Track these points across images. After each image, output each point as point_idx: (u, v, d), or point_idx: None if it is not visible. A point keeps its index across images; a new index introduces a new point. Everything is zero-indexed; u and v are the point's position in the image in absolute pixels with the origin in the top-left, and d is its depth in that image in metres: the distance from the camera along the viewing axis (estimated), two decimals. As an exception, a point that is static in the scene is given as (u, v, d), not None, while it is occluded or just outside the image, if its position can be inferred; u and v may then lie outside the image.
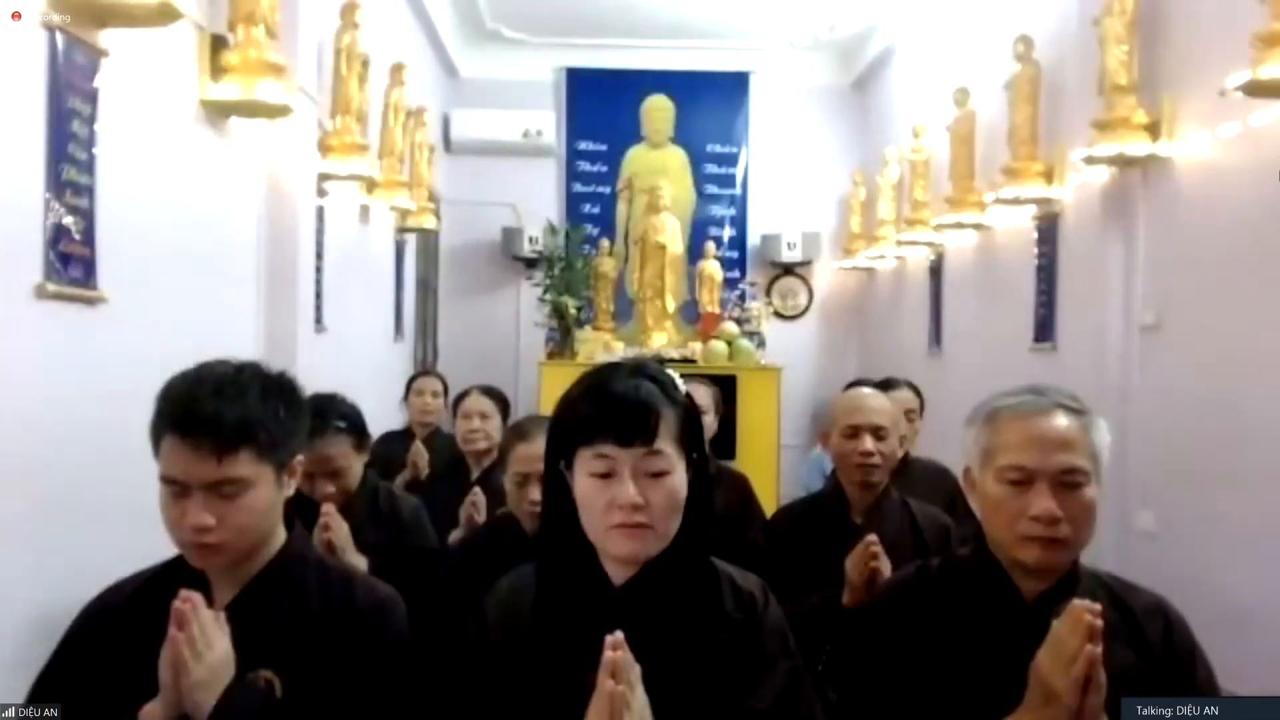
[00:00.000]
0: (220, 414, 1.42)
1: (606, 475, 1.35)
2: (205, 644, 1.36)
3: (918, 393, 3.67)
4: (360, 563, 2.40)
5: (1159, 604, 1.55)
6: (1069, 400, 1.54)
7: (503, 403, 3.66)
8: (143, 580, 1.55)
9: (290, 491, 1.56)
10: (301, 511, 2.47)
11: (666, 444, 1.36)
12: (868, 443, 2.47)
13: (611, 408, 1.36)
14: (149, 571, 1.57)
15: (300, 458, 1.58)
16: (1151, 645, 1.50)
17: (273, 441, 1.47)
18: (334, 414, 2.60)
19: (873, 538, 2.25)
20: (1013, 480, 1.49)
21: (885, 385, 3.25)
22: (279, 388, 1.53)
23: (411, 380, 4.49)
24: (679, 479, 1.37)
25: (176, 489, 1.43)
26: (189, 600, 1.36)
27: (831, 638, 2.18)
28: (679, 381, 1.44)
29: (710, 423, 3.47)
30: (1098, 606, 1.33)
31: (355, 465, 2.66)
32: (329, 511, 2.40)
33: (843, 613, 2.24)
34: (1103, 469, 1.50)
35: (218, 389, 1.45)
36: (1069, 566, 1.52)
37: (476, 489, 2.98)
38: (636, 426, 1.34)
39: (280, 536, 1.55)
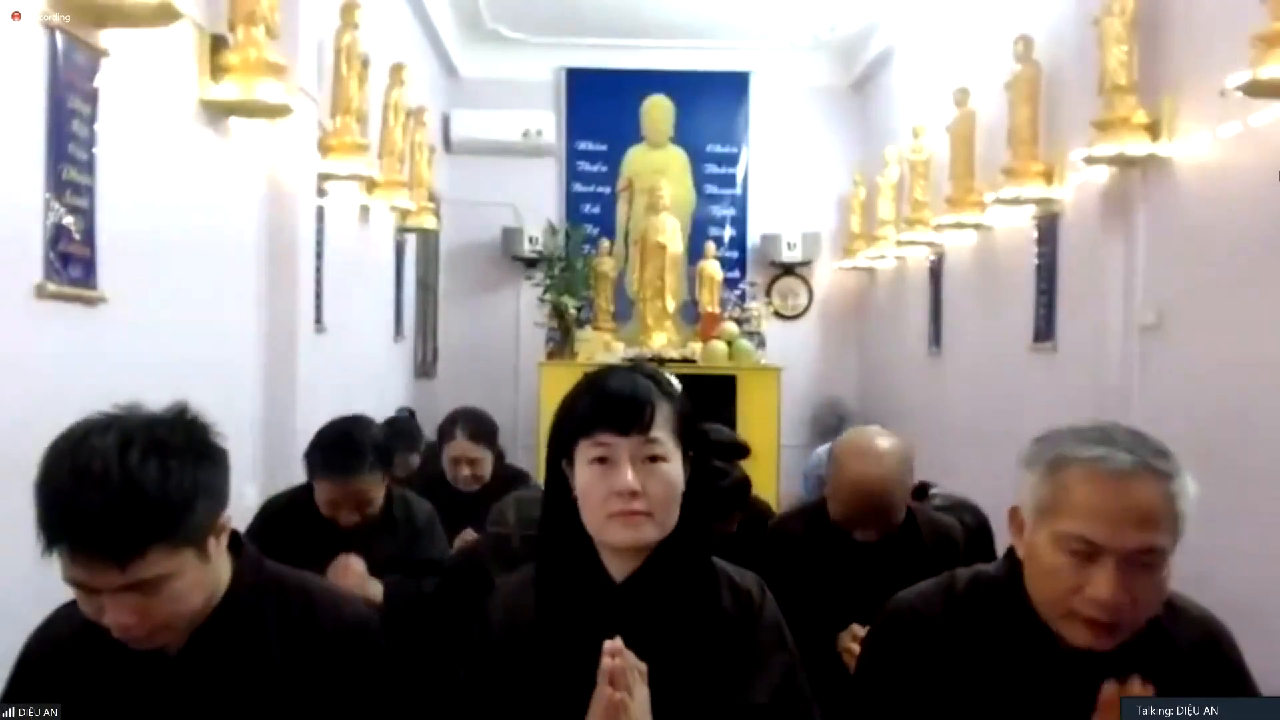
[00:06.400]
0: (113, 520, 1.19)
1: (605, 461, 1.37)
2: None
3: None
4: (377, 590, 2.47)
5: (1208, 635, 1.41)
6: (1154, 458, 1.29)
7: (490, 436, 3.38)
8: None
9: (224, 547, 1.36)
10: (323, 537, 2.53)
11: (662, 433, 1.39)
12: (870, 534, 2.34)
13: (609, 400, 1.39)
14: None
15: (229, 514, 1.36)
16: (1197, 685, 1.35)
17: (183, 525, 1.25)
18: (368, 448, 2.57)
19: (858, 630, 2.18)
20: (1075, 551, 1.28)
21: None
22: (180, 448, 1.27)
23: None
24: (675, 468, 1.40)
25: (86, 590, 1.25)
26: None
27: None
28: (675, 381, 1.47)
29: None
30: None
31: (382, 492, 2.65)
32: (349, 562, 2.46)
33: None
34: (1183, 533, 1.31)
35: (103, 485, 1.20)
36: None
37: (468, 530, 2.96)
38: (633, 416, 1.37)
39: (226, 575, 1.37)
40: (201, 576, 1.31)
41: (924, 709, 1.40)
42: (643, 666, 1.28)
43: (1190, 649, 1.38)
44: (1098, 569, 1.26)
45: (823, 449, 5.17)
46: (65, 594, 1.50)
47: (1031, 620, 1.37)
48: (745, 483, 2.80)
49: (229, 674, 1.36)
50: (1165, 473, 1.28)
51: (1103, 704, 1.29)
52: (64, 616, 1.43)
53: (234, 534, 1.41)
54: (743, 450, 2.88)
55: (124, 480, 1.21)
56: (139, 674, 1.35)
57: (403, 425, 4.23)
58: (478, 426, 3.35)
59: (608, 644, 1.26)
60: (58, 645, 1.40)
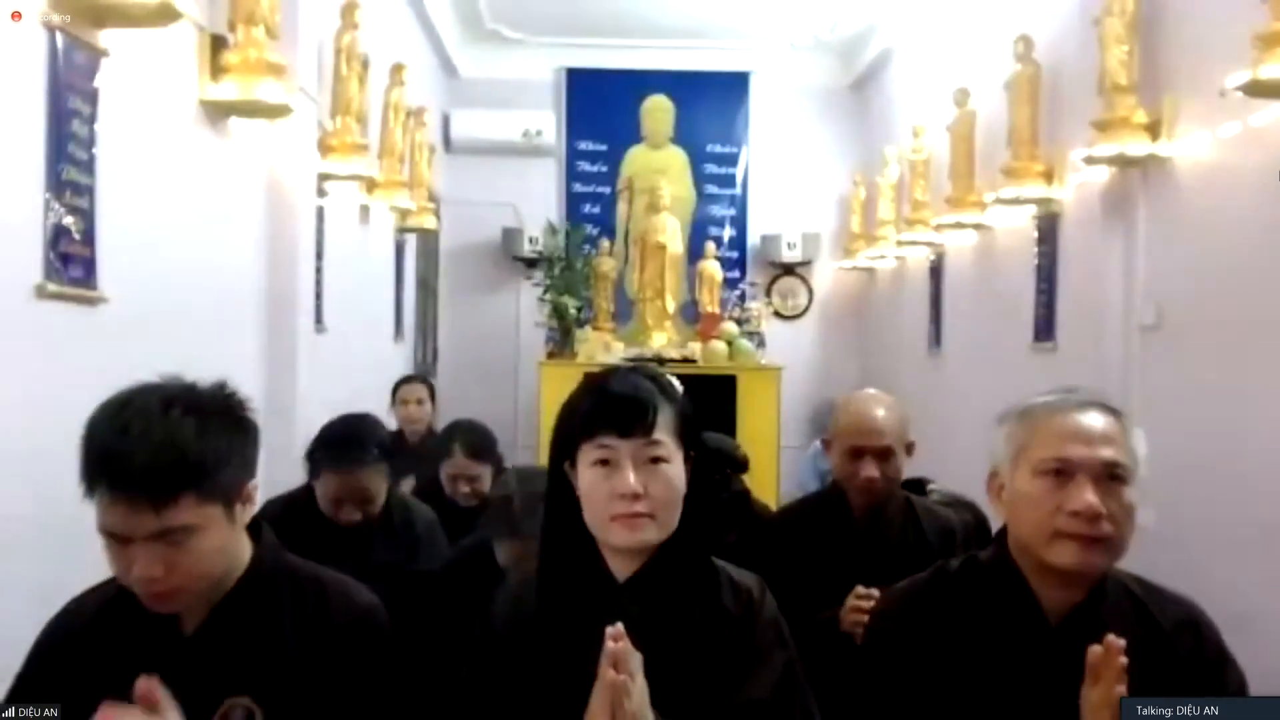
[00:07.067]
0: (152, 464, 1.30)
1: (607, 464, 1.39)
2: None
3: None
4: None
5: (1189, 615, 1.49)
6: (1106, 400, 1.50)
7: (489, 451, 3.29)
8: (106, 599, 1.44)
9: (248, 517, 1.45)
10: (323, 539, 2.47)
11: (664, 435, 1.41)
12: (872, 469, 2.37)
13: (611, 403, 1.42)
14: (113, 588, 1.44)
15: (254, 482, 1.45)
16: (1180, 661, 1.43)
17: (215, 480, 1.35)
18: (371, 442, 2.60)
19: (861, 590, 2.22)
20: (1052, 470, 1.43)
21: None
22: (217, 413, 1.39)
23: (396, 388, 4.49)
24: (677, 469, 1.42)
25: (119, 540, 1.34)
26: None
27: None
28: (676, 383, 1.49)
29: None
30: (1122, 642, 1.29)
31: (384, 489, 2.66)
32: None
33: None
34: (1138, 478, 1.44)
35: (145, 433, 1.31)
36: (1098, 576, 1.44)
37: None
38: (635, 418, 1.40)
39: (246, 554, 1.45)
40: (226, 538, 1.39)
41: (922, 685, 1.45)
42: (639, 657, 1.30)
43: (1172, 628, 1.46)
44: (1074, 486, 1.41)
45: (814, 448, 5.15)
46: (68, 595, 1.50)
47: (1023, 596, 1.46)
48: (744, 496, 2.80)
49: (242, 654, 1.40)
50: (1116, 410, 1.48)
51: (1090, 668, 1.33)
52: (75, 607, 1.48)
53: (255, 519, 1.47)
54: (740, 464, 2.85)
55: (164, 433, 1.32)
56: (153, 655, 1.38)
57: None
58: (476, 442, 3.27)
59: (609, 629, 1.28)
60: (70, 634, 1.44)
